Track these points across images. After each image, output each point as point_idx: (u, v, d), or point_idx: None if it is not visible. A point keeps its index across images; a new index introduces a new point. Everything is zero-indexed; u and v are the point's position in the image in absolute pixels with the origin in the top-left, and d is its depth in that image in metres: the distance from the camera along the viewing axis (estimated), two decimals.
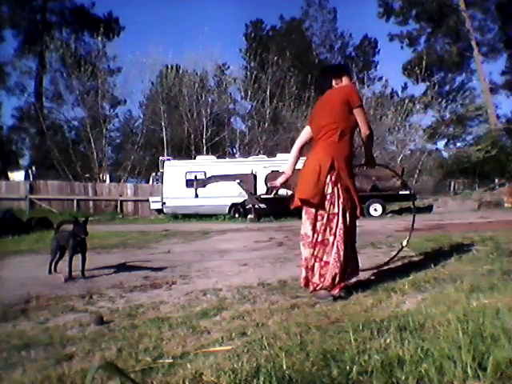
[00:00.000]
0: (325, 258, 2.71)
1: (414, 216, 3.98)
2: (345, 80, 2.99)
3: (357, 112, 2.79)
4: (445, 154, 26.83)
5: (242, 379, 1.45)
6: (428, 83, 24.92)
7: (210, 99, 24.07)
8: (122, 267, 4.39)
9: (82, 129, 22.80)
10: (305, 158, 3.01)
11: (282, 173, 3.20)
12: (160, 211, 15.75)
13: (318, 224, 2.75)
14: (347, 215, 2.73)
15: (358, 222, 2.86)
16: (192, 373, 1.55)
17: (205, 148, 22.49)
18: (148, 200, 16.75)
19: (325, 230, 2.72)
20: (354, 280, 2.94)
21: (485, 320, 1.74)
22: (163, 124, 22.88)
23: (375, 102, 23.12)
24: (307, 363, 1.53)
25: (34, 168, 23.52)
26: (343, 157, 2.77)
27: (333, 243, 2.69)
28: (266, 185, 13.55)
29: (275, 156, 15.45)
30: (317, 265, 2.73)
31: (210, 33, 40.95)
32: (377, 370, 1.41)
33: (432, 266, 3.32)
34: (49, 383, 1.62)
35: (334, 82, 2.99)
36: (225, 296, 2.98)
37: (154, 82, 24.78)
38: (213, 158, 16.40)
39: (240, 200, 13.75)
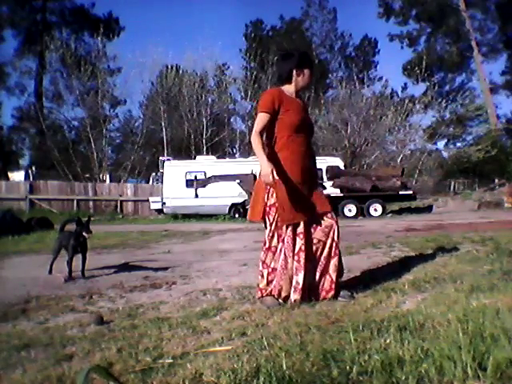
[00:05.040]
0: (272, 265, 2.64)
1: None
2: (306, 72, 2.70)
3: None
4: (445, 154, 26.85)
5: (242, 379, 1.45)
6: (428, 83, 24.90)
7: (209, 99, 24.13)
8: (121, 267, 4.38)
9: (81, 129, 22.82)
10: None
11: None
12: (160, 211, 15.75)
13: (267, 231, 2.67)
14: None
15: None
16: (192, 373, 1.55)
17: (205, 148, 22.51)
18: (148, 200, 16.75)
19: (272, 237, 2.64)
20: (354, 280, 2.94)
21: (485, 320, 1.74)
22: (163, 124, 22.90)
23: (375, 102, 23.10)
24: (307, 363, 1.53)
25: (33, 168, 23.51)
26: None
27: (280, 250, 2.61)
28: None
29: None
30: (265, 271, 2.67)
31: (209, 33, 40.87)
32: (377, 370, 1.41)
33: (432, 266, 3.32)
34: (49, 383, 1.62)
35: (294, 73, 2.68)
36: (225, 296, 2.98)
37: (154, 82, 24.85)
38: (213, 158, 16.41)
39: (240, 200, 13.74)
